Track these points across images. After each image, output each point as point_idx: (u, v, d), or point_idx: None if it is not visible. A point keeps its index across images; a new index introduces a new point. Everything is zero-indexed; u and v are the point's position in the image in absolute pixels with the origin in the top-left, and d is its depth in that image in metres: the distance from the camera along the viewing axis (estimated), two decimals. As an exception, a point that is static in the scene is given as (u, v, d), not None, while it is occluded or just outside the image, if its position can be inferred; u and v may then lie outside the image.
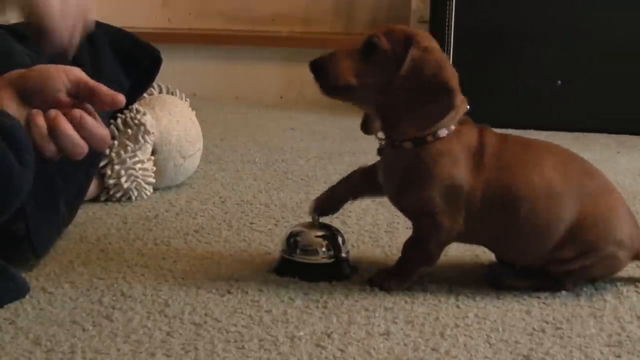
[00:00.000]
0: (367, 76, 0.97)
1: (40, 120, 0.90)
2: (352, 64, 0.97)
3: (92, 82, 0.95)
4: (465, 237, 1.02)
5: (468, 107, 1.00)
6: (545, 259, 0.99)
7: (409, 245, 1.02)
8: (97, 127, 0.93)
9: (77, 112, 0.92)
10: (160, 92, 1.53)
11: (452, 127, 0.98)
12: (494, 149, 0.98)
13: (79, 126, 0.92)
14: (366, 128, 1.04)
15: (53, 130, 0.91)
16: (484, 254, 1.14)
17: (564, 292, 0.99)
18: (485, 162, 0.97)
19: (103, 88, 0.95)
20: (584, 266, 0.98)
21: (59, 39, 0.87)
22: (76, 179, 1.17)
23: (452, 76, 0.97)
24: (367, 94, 0.98)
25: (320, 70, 0.97)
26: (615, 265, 1.01)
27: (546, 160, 0.99)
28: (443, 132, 0.97)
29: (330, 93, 0.99)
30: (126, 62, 1.32)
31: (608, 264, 1.00)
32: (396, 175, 1.00)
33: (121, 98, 0.96)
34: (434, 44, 0.98)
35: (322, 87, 0.98)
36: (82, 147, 0.92)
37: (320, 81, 0.98)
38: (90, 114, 0.94)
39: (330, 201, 1.08)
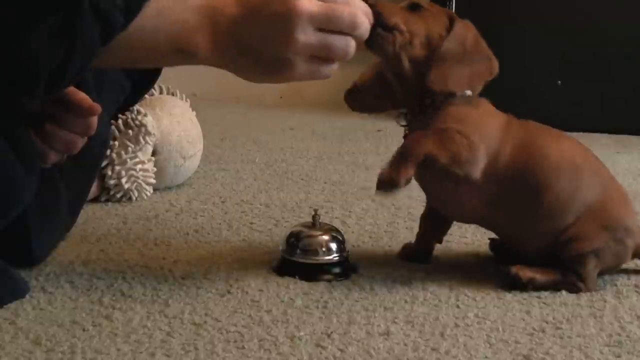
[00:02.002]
0: (414, 25, 0.99)
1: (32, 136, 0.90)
2: (402, 14, 1.00)
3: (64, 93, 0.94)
4: (486, 212, 1.02)
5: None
6: (556, 239, 1.00)
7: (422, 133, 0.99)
8: (74, 120, 0.93)
9: (48, 108, 0.91)
10: (161, 92, 1.53)
11: (476, 92, 1.04)
12: (519, 121, 1.04)
13: (59, 120, 0.91)
14: (357, 101, 1.06)
15: (43, 138, 0.90)
16: (485, 254, 1.14)
17: (564, 292, 0.99)
18: (513, 125, 1.02)
19: (77, 97, 0.93)
20: (597, 248, 0.99)
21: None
22: (78, 182, 1.17)
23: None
24: (408, 44, 0.99)
25: (373, 9, 0.97)
26: (623, 254, 1.02)
27: (568, 139, 1.05)
28: (468, 92, 1.02)
29: (378, 36, 0.97)
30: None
31: (618, 251, 1.01)
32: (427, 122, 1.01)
33: (96, 107, 0.94)
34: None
35: (377, 25, 0.97)
36: (75, 141, 0.92)
37: (374, 20, 0.96)
38: (67, 98, 0.93)
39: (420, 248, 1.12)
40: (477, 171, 0.98)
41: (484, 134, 1.00)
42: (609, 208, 1.01)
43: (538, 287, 0.99)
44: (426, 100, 1.01)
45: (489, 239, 1.14)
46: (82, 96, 0.94)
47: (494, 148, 1.00)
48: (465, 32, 1.03)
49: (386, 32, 0.98)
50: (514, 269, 1.00)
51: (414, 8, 1.01)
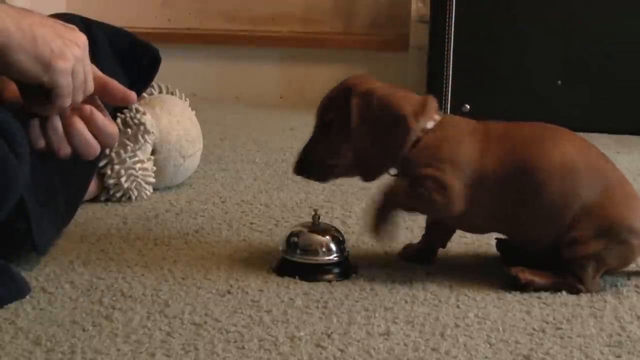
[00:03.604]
0: (337, 149, 1.02)
1: (57, 122, 0.91)
2: (321, 148, 1.03)
3: (104, 77, 0.95)
4: (484, 219, 1.02)
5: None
6: (559, 239, 0.99)
7: (400, 186, 1.02)
8: (107, 123, 0.94)
9: (88, 108, 0.92)
10: (160, 92, 1.53)
11: (436, 117, 1.02)
12: (502, 129, 1.03)
13: (89, 121, 0.92)
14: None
15: (68, 131, 0.91)
16: (485, 254, 1.14)
17: (564, 292, 0.99)
18: (494, 140, 1.01)
19: (115, 84, 0.95)
20: (597, 251, 0.98)
21: (60, 107, 0.89)
22: (75, 177, 1.17)
23: (399, 101, 1.00)
24: (347, 164, 1.03)
25: (304, 171, 1.05)
26: (629, 254, 1.00)
27: (564, 140, 1.02)
28: (430, 124, 1.01)
29: (324, 180, 1.07)
30: (125, 61, 1.31)
31: (622, 252, 1.00)
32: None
33: (133, 95, 0.96)
34: (372, 84, 1.02)
35: (315, 180, 1.06)
36: (95, 147, 0.93)
37: (310, 179, 1.06)
38: (98, 108, 0.94)
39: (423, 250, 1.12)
40: (454, 209, 1.00)
41: (459, 165, 0.99)
42: (609, 209, 0.99)
43: (538, 289, 0.99)
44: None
45: (496, 238, 1.13)
46: (117, 84, 0.96)
47: (475, 169, 0.99)
48: (364, 104, 1.00)
49: (328, 177, 1.05)
50: (514, 271, 1.00)
51: (325, 127, 1.03)
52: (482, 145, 1.00)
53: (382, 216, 1.02)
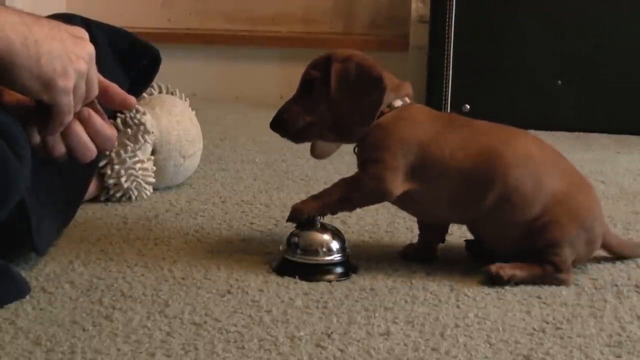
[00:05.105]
0: (316, 108, 1.05)
1: None
2: (300, 106, 1.06)
3: (105, 82, 0.95)
4: (444, 207, 1.04)
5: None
6: (530, 231, 1.01)
7: (346, 180, 1.06)
8: (105, 126, 0.94)
9: (86, 111, 0.92)
10: (160, 92, 1.53)
11: (407, 100, 1.06)
12: (465, 121, 1.06)
13: (87, 124, 0.92)
14: (316, 153, 1.14)
15: (66, 133, 0.91)
16: (484, 254, 1.14)
17: (564, 292, 1.00)
18: (455, 127, 1.04)
19: (115, 88, 0.95)
20: (571, 236, 1.01)
21: (61, 123, 0.89)
22: (75, 177, 1.17)
23: (376, 66, 1.04)
24: (324, 124, 1.05)
25: (280, 126, 1.07)
26: (594, 241, 1.05)
27: (524, 135, 1.06)
28: (398, 103, 1.05)
29: (298, 139, 1.08)
30: (125, 61, 1.31)
31: (589, 239, 1.03)
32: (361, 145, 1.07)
33: (132, 100, 0.96)
34: (352, 52, 1.06)
35: (290, 138, 1.08)
36: (92, 150, 0.93)
37: (285, 135, 1.08)
38: (97, 111, 0.94)
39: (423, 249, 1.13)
40: (392, 196, 1.03)
41: (408, 143, 1.02)
42: (575, 197, 1.02)
43: (518, 282, 1.01)
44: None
45: (464, 240, 1.14)
46: (117, 88, 0.97)
47: (427, 150, 1.01)
48: (343, 68, 1.03)
49: (301, 135, 1.07)
50: (494, 268, 1.01)
51: (307, 88, 1.05)
52: (442, 130, 1.03)
53: (317, 204, 1.04)
